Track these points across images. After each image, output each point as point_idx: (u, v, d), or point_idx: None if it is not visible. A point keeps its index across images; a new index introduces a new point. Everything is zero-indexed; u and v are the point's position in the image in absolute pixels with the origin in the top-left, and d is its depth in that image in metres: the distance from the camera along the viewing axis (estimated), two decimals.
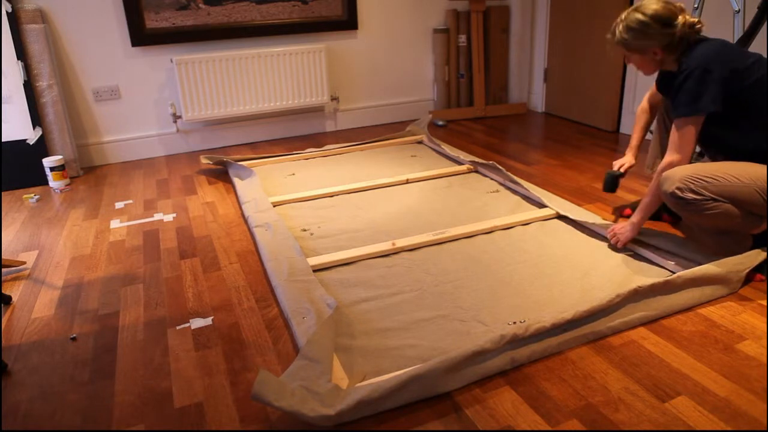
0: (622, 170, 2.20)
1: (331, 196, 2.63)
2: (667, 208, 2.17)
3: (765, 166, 1.70)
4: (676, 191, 1.70)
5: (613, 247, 2.00)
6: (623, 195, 2.51)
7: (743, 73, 1.69)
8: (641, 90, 3.30)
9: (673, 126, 1.79)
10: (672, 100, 1.80)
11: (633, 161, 2.20)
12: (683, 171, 1.72)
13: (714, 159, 1.88)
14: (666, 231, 2.03)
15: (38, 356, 1.57)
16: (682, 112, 1.74)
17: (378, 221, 2.33)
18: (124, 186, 2.94)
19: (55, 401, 1.40)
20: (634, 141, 2.20)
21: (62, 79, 3.10)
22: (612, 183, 2.20)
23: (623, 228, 1.96)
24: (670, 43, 1.76)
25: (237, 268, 2.01)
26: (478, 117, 4.03)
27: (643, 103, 2.17)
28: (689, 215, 1.75)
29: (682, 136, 1.77)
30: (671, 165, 1.79)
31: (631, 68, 3.33)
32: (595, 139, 3.36)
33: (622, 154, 3.05)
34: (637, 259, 1.93)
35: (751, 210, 1.70)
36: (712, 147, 1.87)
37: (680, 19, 1.74)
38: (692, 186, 1.68)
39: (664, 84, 2.03)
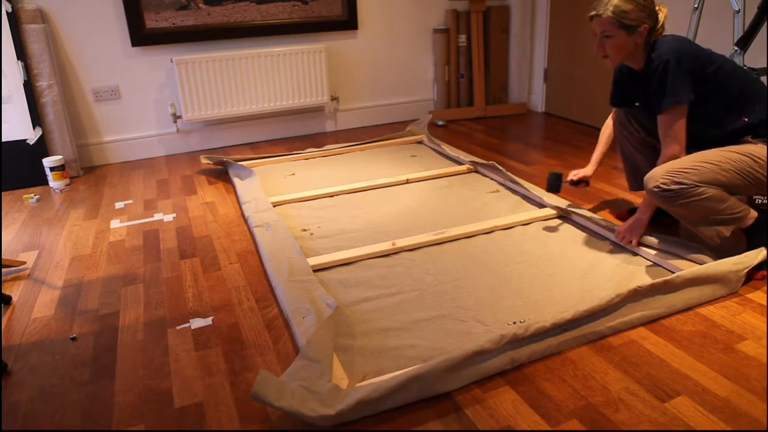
0: (575, 179, 2.24)
1: (331, 196, 2.63)
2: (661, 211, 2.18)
3: (735, 148, 1.76)
4: (661, 185, 1.73)
5: (622, 247, 2.00)
6: (624, 196, 2.51)
7: (705, 64, 1.76)
8: None
9: (660, 120, 1.82)
10: (651, 95, 1.81)
11: (589, 173, 2.26)
12: (662, 169, 1.76)
13: None
14: (665, 231, 2.03)
15: (38, 356, 1.57)
16: (666, 104, 1.78)
17: (378, 221, 2.33)
18: (124, 186, 2.94)
19: (55, 401, 1.40)
20: (595, 155, 2.26)
21: (62, 79, 3.10)
22: (553, 182, 2.26)
23: (632, 225, 1.97)
24: (654, 27, 1.82)
25: (237, 268, 2.01)
26: (478, 117, 4.03)
27: (608, 121, 2.23)
28: (680, 209, 1.76)
29: (672, 127, 1.80)
30: (673, 156, 1.81)
31: None
32: (595, 139, 3.36)
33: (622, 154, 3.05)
34: (637, 259, 1.93)
35: (736, 192, 1.75)
36: None
37: (658, 6, 1.84)
38: (674, 178, 1.72)
39: (622, 88, 2.05)
